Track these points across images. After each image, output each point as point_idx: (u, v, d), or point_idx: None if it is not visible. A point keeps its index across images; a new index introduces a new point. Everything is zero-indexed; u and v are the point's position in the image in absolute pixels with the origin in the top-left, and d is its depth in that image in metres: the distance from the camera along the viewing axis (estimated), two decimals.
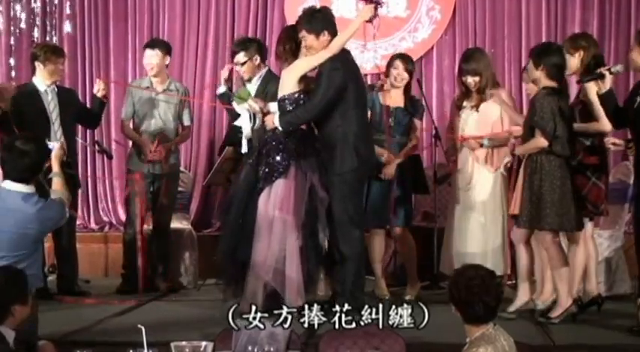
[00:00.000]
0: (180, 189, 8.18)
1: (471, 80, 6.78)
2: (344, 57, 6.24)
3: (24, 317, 4.10)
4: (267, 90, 6.72)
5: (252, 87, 6.95)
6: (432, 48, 9.16)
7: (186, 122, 7.67)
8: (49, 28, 9.26)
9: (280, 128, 6.16)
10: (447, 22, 9.11)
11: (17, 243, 4.75)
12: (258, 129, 6.49)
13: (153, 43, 7.59)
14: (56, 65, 7.09)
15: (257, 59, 6.96)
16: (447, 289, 5.51)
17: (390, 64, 7.06)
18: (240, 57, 6.94)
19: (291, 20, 8.40)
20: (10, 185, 4.85)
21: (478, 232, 6.79)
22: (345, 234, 6.17)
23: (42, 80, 7.10)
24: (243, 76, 7.02)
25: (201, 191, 9.12)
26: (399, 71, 6.98)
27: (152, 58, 7.44)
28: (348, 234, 6.17)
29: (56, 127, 7.10)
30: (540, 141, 5.96)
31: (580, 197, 6.11)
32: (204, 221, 9.08)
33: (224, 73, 7.24)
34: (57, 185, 5.09)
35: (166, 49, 7.51)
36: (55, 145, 5.26)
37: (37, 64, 7.10)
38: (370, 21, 6.23)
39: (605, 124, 6.08)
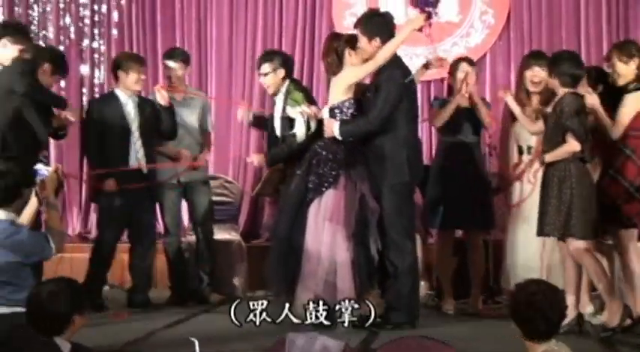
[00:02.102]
0: (228, 200, 8.35)
1: (538, 76, 6.71)
2: (401, 65, 6.29)
3: (79, 328, 4.11)
4: (288, 102, 6.77)
5: (279, 101, 6.93)
6: (485, 54, 9.13)
7: (208, 128, 7.69)
8: (97, 37, 9.35)
9: (340, 137, 6.20)
10: (500, 27, 9.07)
11: None
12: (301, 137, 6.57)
13: (174, 54, 7.59)
14: (139, 74, 7.10)
15: (281, 72, 6.93)
16: (505, 303, 5.56)
17: (455, 68, 7.07)
18: (264, 67, 6.94)
19: (338, 25, 8.92)
20: None
21: (539, 245, 6.68)
22: (397, 246, 6.17)
23: (123, 89, 7.14)
24: (268, 91, 7.06)
25: (249, 202, 9.13)
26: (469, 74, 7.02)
27: (174, 69, 7.45)
28: (401, 245, 6.18)
29: (136, 138, 7.12)
30: (573, 146, 5.88)
31: (612, 207, 6.04)
32: (253, 232, 9.07)
33: (243, 117, 7.30)
34: (51, 219, 4.93)
35: (187, 60, 7.56)
36: (48, 170, 5.02)
37: (119, 72, 7.12)
38: (420, 30, 6.26)
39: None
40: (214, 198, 8.00)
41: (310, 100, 6.77)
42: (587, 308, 6.27)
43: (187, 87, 7.62)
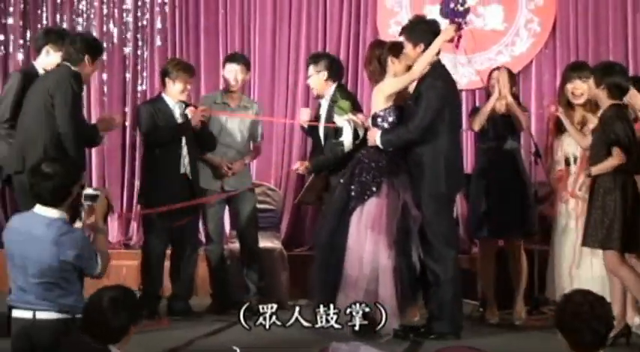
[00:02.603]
0: (270, 207, 8.36)
1: (579, 89, 6.68)
2: (444, 74, 6.30)
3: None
4: (335, 110, 6.79)
5: (324, 104, 6.98)
6: (531, 62, 9.07)
7: (258, 139, 7.69)
8: (140, 43, 9.39)
9: (381, 146, 6.22)
10: (546, 36, 9.02)
11: (42, 271, 4.66)
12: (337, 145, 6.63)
13: (236, 58, 7.60)
14: (185, 85, 7.13)
15: (324, 75, 6.98)
16: (551, 314, 5.47)
17: (491, 76, 7.11)
18: (311, 69, 7.02)
19: (383, 34, 8.89)
20: (38, 209, 4.77)
21: (586, 256, 6.62)
22: (438, 254, 6.17)
23: (170, 97, 7.18)
24: (313, 92, 7.10)
25: (291, 210, 9.11)
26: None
27: (237, 73, 7.43)
28: (442, 254, 6.18)
29: (182, 144, 7.16)
30: (618, 158, 5.83)
31: None
32: (295, 240, 9.05)
33: (304, 116, 7.28)
34: (98, 242, 4.91)
35: (248, 64, 7.57)
36: (97, 193, 4.97)
37: (167, 80, 7.17)
38: (451, 41, 6.25)
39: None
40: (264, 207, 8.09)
41: (357, 108, 6.78)
42: (635, 320, 6.23)
43: (243, 93, 7.64)
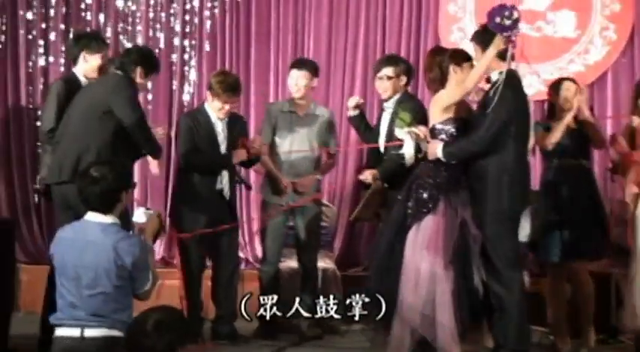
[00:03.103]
0: (323, 224, 8.23)
1: None
2: (516, 84, 6.29)
3: None
4: (396, 122, 6.80)
5: (389, 106, 7.05)
6: (607, 72, 9.08)
7: (332, 150, 7.66)
8: (188, 49, 9.45)
9: (443, 159, 6.23)
10: (623, 43, 9.03)
11: (98, 279, 4.73)
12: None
13: (301, 63, 7.64)
14: (223, 104, 7.16)
15: (403, 80, 7.08)
16: (629, 343, 5.78)
17: (558, 87, 7.14)
18: (389, 71, 7.05)
19: (444, 40, 9.01)
20: (90, 216, 4.86)
21: None
22: (501, 277, 6.14)
23: (212, 111, 7.24)
24: (383, 95, 7.13)
25: (346, 227, 9.12)
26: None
27: (299, 79, 7.46)
28: (506, 276, 6.14)
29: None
30: None
31: None
32: (350, 259, 9.04)
33: (351, 102, 7.35)
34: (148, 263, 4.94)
35: (314, 70, 7.56)
36: (149, 214, 5.09)
37: (209, 93, 7.24)
38: (505, 51, 6.20)
39: None
40: None
41: (420, 119, 6.74)
42: None
43: (312, 101, 7.65)
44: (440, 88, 6.41)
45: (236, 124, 7.36)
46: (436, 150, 6.25)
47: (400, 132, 6.66)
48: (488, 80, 6.35)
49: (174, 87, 9.40)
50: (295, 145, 7.48)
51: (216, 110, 7.15)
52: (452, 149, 6.23)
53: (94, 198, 4.82)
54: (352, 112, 7.35)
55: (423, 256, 6.11)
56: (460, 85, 6.25)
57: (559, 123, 6.98)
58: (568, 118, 6.95)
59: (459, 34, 9.21)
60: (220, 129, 7.21)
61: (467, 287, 6.14)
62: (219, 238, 7.13)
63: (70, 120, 6.31)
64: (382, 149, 7.03)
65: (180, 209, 7.18)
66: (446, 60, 6.40)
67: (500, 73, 6.16)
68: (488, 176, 6.16)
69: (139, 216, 5.05)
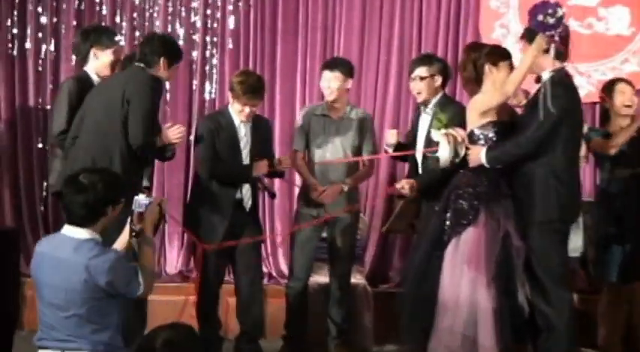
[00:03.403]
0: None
1: None
2: (567, 83, 6.25)
3: None
4: (433, 122, 6.77)
5: (427, 110, 7.03)
6: None
7: (370, 151, 7.57)
8: (209, 46, 9.34)
9: (487, 165, 6.21)
10: None
11: (72, 302, 4.63)
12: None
13: (333, 64, 7.55)
14: (243, 107, 7.10)
15: (438, 80, 7.05)
16: None
17: (611, 89, 7.09)
18: (422, 71, 7.03)
19: (486, 38, 8.80)
20: (67, 229, 4.75)
21: None
22: (548, 295, 6.10)
23: (235, 113, 7.20)
24: (418, 98, 7.10)
25: (378, 239, 8.98)
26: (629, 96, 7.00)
27: (331, 81, 7.39)
28: (553, 294, 6.10)
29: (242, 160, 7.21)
30: None
31: None
32: (382, 274, 8.94)
33: (391, 139, 7.26)
34: (144, 256, 4.86)
35: (348, 71, 7.48)
36: (149, 201, 4.95)
37: (231, 94, 7.21)
38: (547, 51, 6.17)
39: None
40: None
41: (459, 122, 6.65)
42: None
43: (348, 103, 7.60)
44: (475, 88, 6.44)
45: (260, 128, 7.32)
46: (478, 155, 6.24)
47: (436, 134, 6.60)
48: (538, 80, 6.31)
49: (194, 86, 9.28)
50: (329, 151, 7.45)
51: (237, 112, 7.12)
52: (496, 153, 6.19)
53: (76, 209, 4.68)
54: (391, 148, 7.28)
55: (462, 272, 6.08)
56: (499, 89, 6.23)
57: (626, 129, 6.94)
58: (636, 125, 6.93)
59: (501, 31, 9.07)
60: (243, 132, 7.16)
61: (510, 306, 6.08)
62: (240, 250, 7.10)
63: (84, 122, 6.31)
64: (419, 157, 7.00)
65: (196, 219, 7.12)
66: (482, 57, 6.42)
67: (552, 71, 6.14)
68: (534, 182, 6.11)
69: (139, 204, 4.86)
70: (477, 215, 6.17)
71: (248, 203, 7.14)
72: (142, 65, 6.35)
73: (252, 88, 7.06)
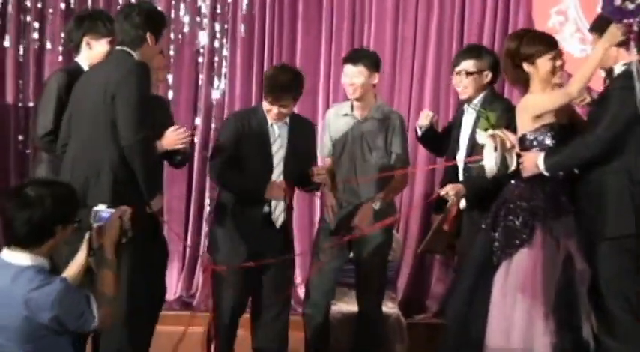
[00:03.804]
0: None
1: None
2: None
3: None
4: (480, 122, 6.56)
5: (470, 109, 6.83)
6: None
7: (400, 162, 7.28)
8: (218, 35, 9.21)
9: (546, 173, 5.94)
10: None
11: (11, 340, 4.46)
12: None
13: (356, 57, 7.29)
14: (271, 105, 6.80)
15: (487, 76, 6.82)
16: None
17: None
18: (469, 65, 6.80)
19: (540, 25, 8.63)
20: (5, 254, 4.60)
21: None
22: (619, 329, 5.82)
23: (266, 112, 6.98)
24: (462, 94, 6.91)
25: (413, 261, 8.83)
26: None
27: (354, 76, 7.14)
28: (624, 328, 5.82)
29: (277, 172, 6.89)
30: None
31: None
32: (417, 303, 8.80)
33: (424, 120, 7.13)
34: (103, 279, 4.72)
35: (374, 64, 7.22)
36: (110, 213, 4.81)
37: (265, 93, 7.01)
38: (622, 45, 5.91)
39: None
40: None
41: (508, 123, 6.38)
42: None
43: (377, 101, 7.33)
44: (522, 88, 6.23)
45: (299, 130, 7.03)
46: (535, 161, 5.95)
47: (482, 136, 6.32)
48: (609, 73, 6.13)
49: (200, 82, 9.14)
50: (356, 157, 7.21)
51: (266, 112, 6.90)
52: (557, 158, 5.94)
53: (19, 226, 4.49)
54: (422, 130, 7.17)
55: (516, 302, 5.82)
56: (562, 91, 6.00)
57: None
58: None
59: (557, 19, 8.82)
60: (277, 134, 6.88)
61: (573, 341, 5.80)
62: (264, 272, 6.86)
63: (76, 123, 6.14)
64: (461, 165, 6.82)
65: (215, 240, 6.95)
66: (520, 50, 6.14)
67: (625, 64, 5.90)
68: (605, 192, 5.88)
69: (98, 216, 4.78)
70: (531, 234, 5.90)
71: (279, 219, 6.83)
72: (125, 49, 6.06)
73: (280, 87, 6.78)
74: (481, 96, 6.81)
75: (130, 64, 5.99)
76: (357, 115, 7.24)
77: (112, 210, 4.81)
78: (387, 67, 8.86)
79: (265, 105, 6.81)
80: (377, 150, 7.22)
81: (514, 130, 6.24)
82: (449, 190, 6.61)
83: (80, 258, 4.77)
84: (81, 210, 5.19)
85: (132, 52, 6.06)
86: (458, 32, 8.93)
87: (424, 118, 7.10)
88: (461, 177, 6.74)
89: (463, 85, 6.83)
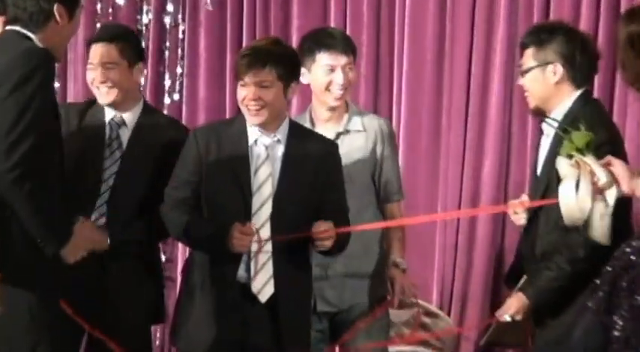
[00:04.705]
0: (428, 350, 7.85)
1: None
2: None
3: None
4: (564, 145, 5.66)
5: (549, 126, 6.12)
6: None
7: (393, 195, 6.54)
8: (171, 6, 8.53)
9: None
10: None
11: None
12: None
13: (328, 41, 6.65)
14: (245, 88, 6.31)
15: (556, 70, 5.94)
16: None
17: None
18: (527, 57, 6.06)
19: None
20: None
21: None
22: None
23: (245, 113, 6.68)
24: (531, 102, 6.15)
25: None
26: None
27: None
28: None
29: (263, 217, 6.19)
30: None
31: None
32: None
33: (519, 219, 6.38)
34: None
35: (349, 50, 6.60)
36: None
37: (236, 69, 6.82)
38: None
39: None
40: (400, 349, 7.66)
41: (609, 146, 5.63)
42: None
43: (353, 107, 6.70)
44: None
45: (308, 151, 6.22)
46: None
47: (563, 164, 5.46)
48: None
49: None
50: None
51: (242, 105, 6.29)
52: None
53: None
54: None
55: None
56: None
57: None
58: None
59: None
60: (263, 156, 5.99)
61: None
62: (253, 335, 6.00)
63: None
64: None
65: (180, 321, 6.08)
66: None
67: None
68: None
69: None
70: None
71: (265, 291, 5.88)
72: (19, 29, 5.36)
73: (257, 50, 6.11)
74: (567, 105, 5.97)
75: (19, 51, 5.26)
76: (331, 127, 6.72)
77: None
78: (411, 57, 8.28)
79: (239, 92, 5.86)
80: (360, 176, 6.55)
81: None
82: (512, 310, 5.78)
83: None
84: None
85: (29, 34, 5.37)
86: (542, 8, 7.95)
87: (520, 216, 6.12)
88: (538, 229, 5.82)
89: (528, 87, 6.13)
